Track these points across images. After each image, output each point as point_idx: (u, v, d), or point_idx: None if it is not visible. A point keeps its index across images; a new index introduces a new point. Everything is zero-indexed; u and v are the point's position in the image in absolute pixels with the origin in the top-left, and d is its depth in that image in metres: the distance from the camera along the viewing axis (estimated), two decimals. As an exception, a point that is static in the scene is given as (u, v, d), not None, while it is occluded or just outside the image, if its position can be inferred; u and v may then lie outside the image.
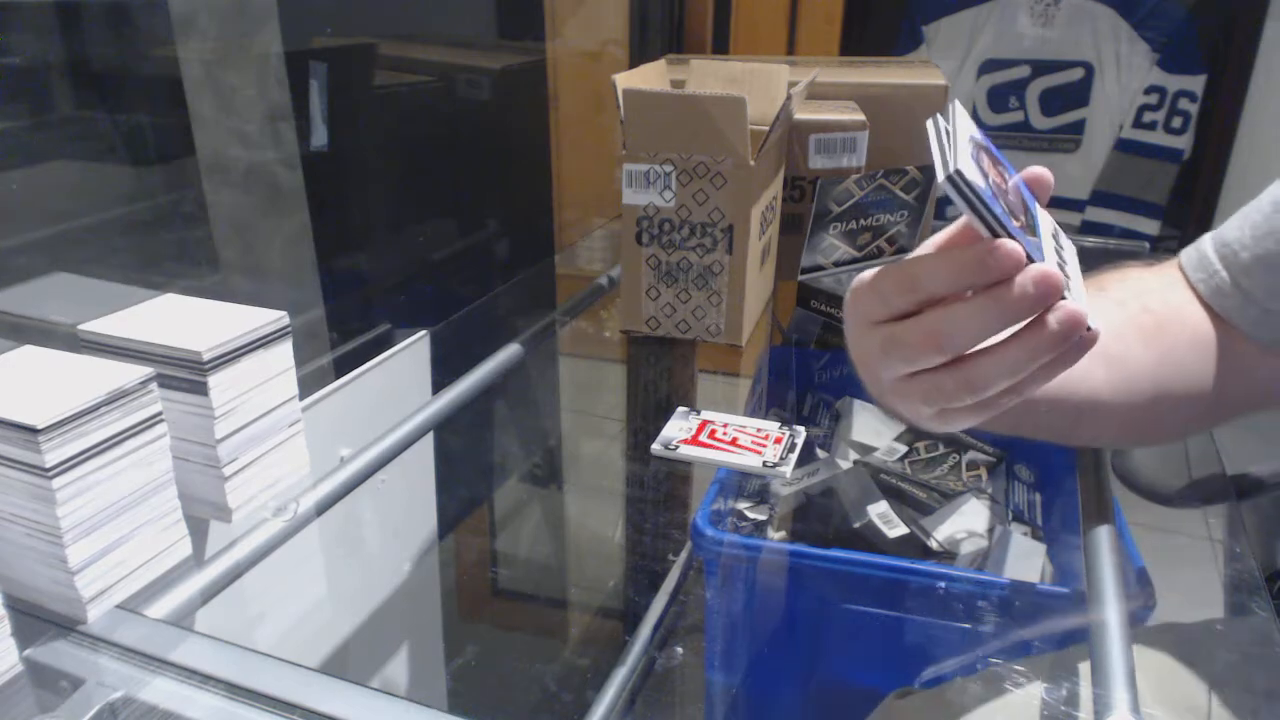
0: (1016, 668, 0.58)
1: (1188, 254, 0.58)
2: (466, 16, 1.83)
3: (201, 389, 0.62)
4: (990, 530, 0.89)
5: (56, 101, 1.08)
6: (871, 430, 1.02)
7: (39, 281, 0.97)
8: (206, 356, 0.61)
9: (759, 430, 0.80)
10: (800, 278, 0.97)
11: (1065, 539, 0.85)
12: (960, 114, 0.40)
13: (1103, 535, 0.61)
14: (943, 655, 0.76)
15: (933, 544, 0.85)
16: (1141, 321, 0.55)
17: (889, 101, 0.97)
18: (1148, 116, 1.90)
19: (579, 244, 1.67)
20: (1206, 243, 0.57)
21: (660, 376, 0.98)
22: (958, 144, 0.38)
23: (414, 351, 0.96)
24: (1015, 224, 0.39)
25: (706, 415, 0.83)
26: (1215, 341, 0.54)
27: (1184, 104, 1.87)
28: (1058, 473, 0.93)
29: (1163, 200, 1.92)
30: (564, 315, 1.13)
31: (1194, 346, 0.54)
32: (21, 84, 1.02)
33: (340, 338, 1.31)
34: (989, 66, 1.96)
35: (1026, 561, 0.84)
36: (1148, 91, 1.89)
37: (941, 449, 0.99)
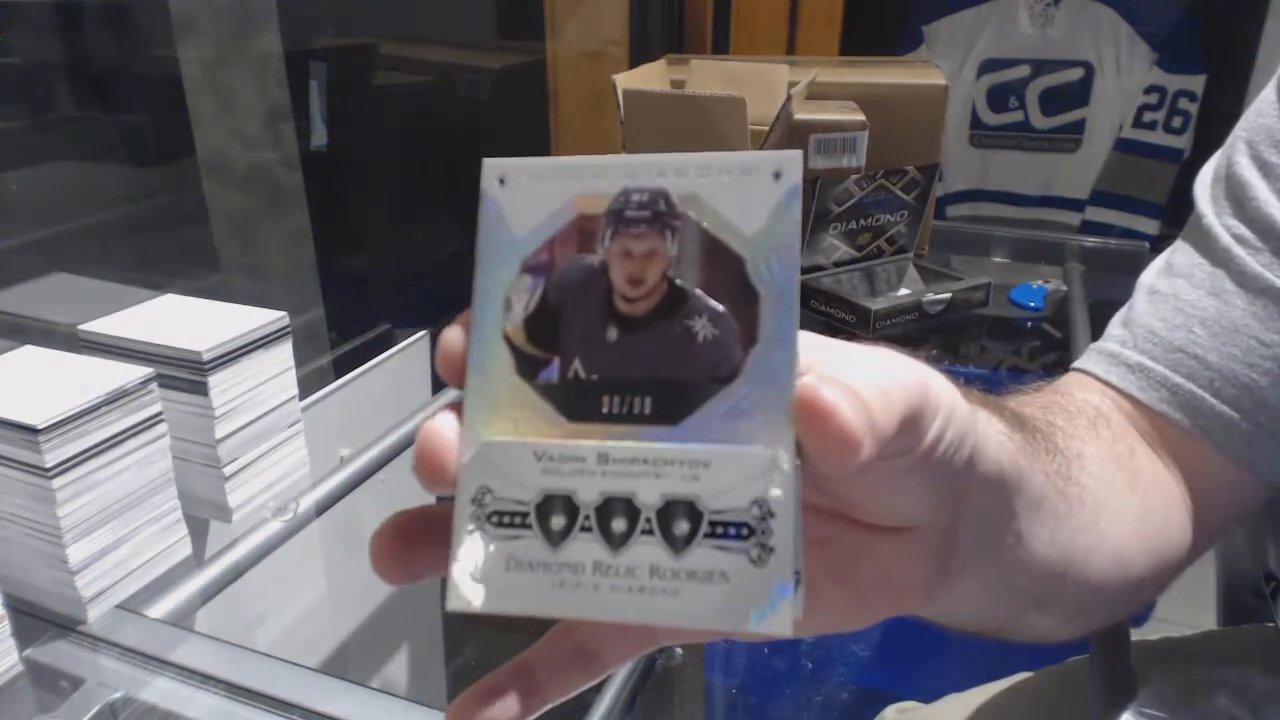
0: (1017, 679, 0.58)
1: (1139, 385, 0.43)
2: (466, 16, 1.83)
3: (201, 389, 0.62)
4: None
5: (57, 102, 1.08)
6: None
7: (39, 281, 0.97)
8: (206, 356, 0.61)
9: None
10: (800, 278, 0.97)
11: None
12: None
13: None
14: (943, 661, 0.75)
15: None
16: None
17: (889, 101, 0.97)
18: (1148, 116, 1.90)
19: (579, 244, 1.66)
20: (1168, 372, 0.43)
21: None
22: None
23: (414, 351, 0.96)
24: None
25: None
26: (1180, 485, 0.43)
27: (1184, 104, 1.86)
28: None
29: (1163, 200, 1.92)
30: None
31: (1169, 506, 0.42)
32: (21, 84, 1.02)
33: (340, 338, 1.31)
34: (989, 66, 1.96)
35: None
36: (1147, 91, 1.89)
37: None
